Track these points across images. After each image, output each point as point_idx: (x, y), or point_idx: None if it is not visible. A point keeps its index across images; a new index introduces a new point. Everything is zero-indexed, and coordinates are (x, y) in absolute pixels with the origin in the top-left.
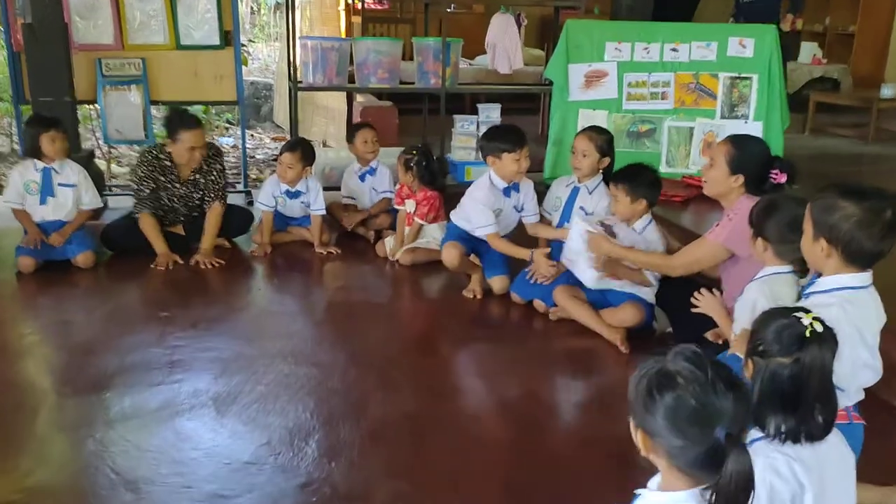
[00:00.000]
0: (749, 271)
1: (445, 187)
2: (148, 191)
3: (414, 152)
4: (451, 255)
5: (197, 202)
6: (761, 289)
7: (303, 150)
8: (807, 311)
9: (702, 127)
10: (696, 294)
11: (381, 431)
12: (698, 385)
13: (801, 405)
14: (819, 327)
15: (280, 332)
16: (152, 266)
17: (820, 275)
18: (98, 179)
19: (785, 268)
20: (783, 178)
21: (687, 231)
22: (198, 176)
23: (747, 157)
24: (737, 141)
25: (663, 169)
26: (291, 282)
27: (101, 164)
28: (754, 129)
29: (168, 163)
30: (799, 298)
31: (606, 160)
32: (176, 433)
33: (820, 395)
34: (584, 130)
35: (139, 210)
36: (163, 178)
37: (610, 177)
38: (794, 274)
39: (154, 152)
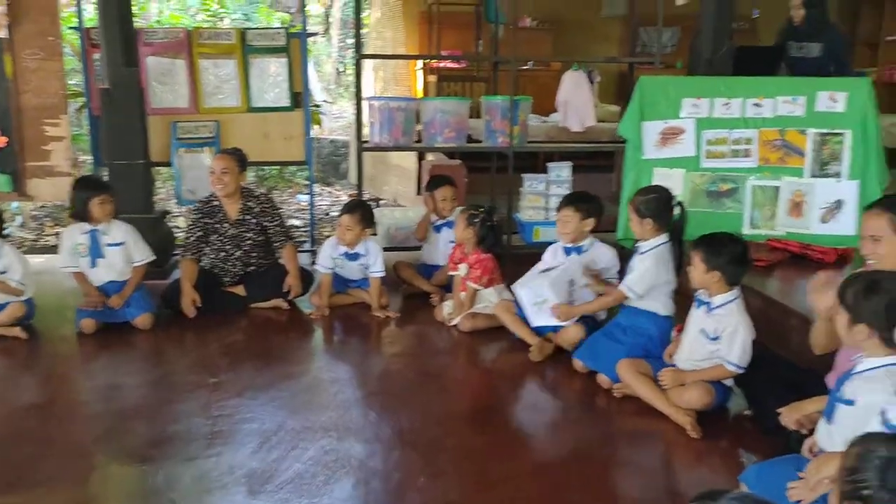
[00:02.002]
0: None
1: (501, 252)
2: (194, 237)
3: (480, 209)
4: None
5: (249, 248)
6: (885, 388)
7: (362, 212)
8: None
9: (789, 186)
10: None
11: None
12: None
13: None
14: None
15: (327, 402)
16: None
17: None
18: (168, 240)
19: (895, 359)
20: None
21: (769, 300)
22: (247, 217)
23: None
24: (891, 205)
25: (746, 230)
26: (346, 347)
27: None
28: (850, 188)
29: (216, 203)
30: None
31: (648, 221)
32: None
33: None
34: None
35: (182, 256)
36: (211, 220)
37: (678, 235)
38: None
39: (205, 198)
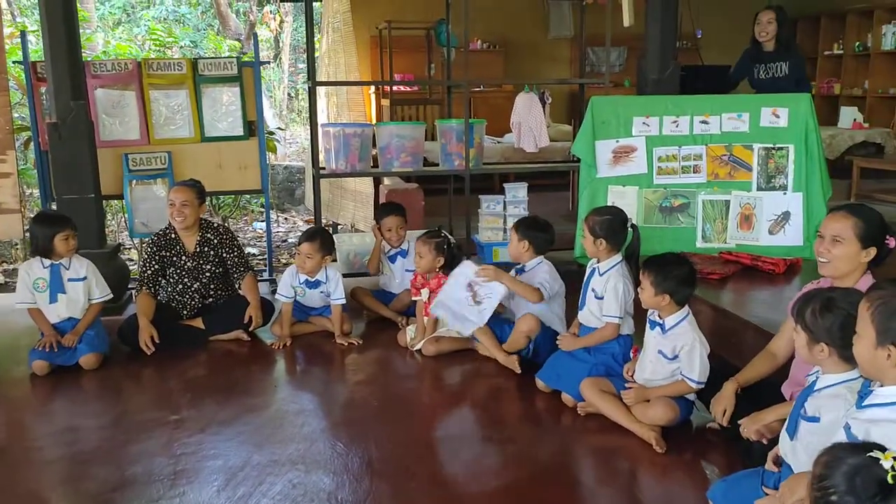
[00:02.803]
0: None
1: None
2: (151, 271)
3: (440, 233)
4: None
5: (208, 280)
6: (847, 404)
7: (321, 239)
8: (880, 448)
9: (738, 199)
10: None
11: None
12: None
13: None
14: None
15: (293, 434)
16: (142, 345)
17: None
18: (122, 275)
19: (853, 374)
20: (894, 243)
21: (724, 312)
22: (206, 249)
23: (875, 225)
24: (856, 211)
25: (699, 244)
26: (309, 376)
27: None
28: (794, 200)
29: (173, 235)
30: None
31: (601, 242)
32: None
33: None
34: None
35: (138, 289)
36: (168, 253)
37: (633, 256)
38: (861, 380)
39: (161, 231)
